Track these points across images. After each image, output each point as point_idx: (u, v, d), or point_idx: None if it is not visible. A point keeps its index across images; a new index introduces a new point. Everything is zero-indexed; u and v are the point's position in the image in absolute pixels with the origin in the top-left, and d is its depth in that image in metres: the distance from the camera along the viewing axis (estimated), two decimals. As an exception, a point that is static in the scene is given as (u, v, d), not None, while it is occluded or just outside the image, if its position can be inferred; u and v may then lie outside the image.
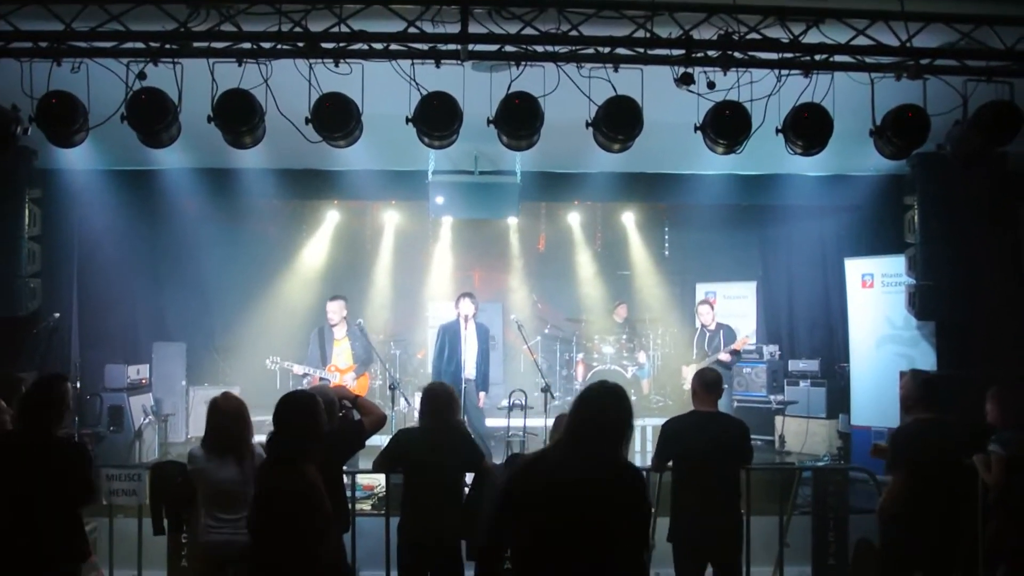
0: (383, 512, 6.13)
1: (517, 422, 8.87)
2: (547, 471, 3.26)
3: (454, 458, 5.13)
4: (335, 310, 9.07)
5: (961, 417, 5.31)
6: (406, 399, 10.13)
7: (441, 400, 5.19)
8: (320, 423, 4.17)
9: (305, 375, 8.94)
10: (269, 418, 4.23)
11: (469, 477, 5.30)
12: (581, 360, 12.19)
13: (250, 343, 11.18)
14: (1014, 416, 5.08)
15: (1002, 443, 5.00)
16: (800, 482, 7.01)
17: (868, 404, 9.46)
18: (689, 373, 10.31)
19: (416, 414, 5.48)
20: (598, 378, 11.06)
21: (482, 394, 9.08)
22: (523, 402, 8.73)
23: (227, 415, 4.84)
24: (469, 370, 8.93)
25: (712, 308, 10.54)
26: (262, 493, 4.01)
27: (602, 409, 3.30)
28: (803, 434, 9.97)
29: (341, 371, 8.89)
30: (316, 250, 12.62)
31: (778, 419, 10.18)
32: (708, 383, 5.37)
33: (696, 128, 5.77)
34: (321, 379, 8.67)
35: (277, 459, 4.07)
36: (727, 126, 5.70)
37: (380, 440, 5.54)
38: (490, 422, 9.45)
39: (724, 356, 9.85)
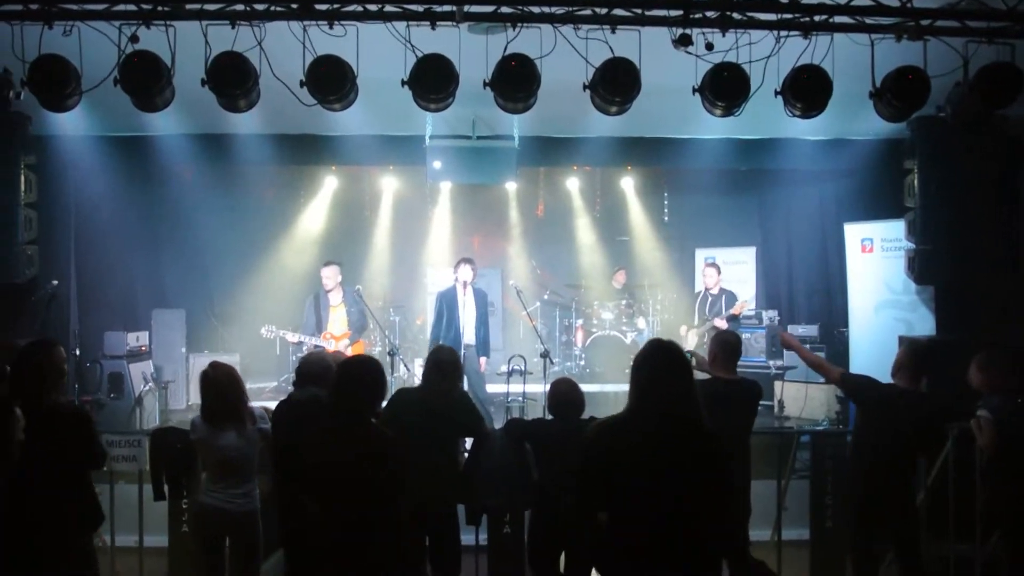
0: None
1: (517, 388, 8.91)
2: (628, 433, 3.29)
3: (450, 423, 5.17)
4: (330, 275, 9.07)
5: (953, 387, 5.36)
6: (405, 365, 10.16)
7: (446, 366, 5.21)
8: (384, 384, 4.14)
9: (300, 343, 8.97)
10: (271, 384, 4.23)
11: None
12: (580, 326, 12.22)
13: (249, 310, 11.21)
14: (1000, 381, 5.07)
15: (990, 409, 5.00)
16: (799, 446, 7.05)
17: (867, 369, 9.14)
18: (691, 336, 10.35)
19: (416, 381, 5.50)
20: (596, 343, 11.29)
21: (483, 359, 9.11)
22: (522, 368, 8.75)
23: (220, 384, 4.87)
24: (469, 336, 8.96)
25: (719, 272, 10.49)
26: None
27: (669, 369, 3.33)
28: (802, 399, 9.99)
29: (336, 338, 8.91)
30: (314, 216, 12.63)
31: (777, 384, 10.20)
32: (731, 348, 5.41)
33: (694, 90, 5.72)
34: (316, 347, 8.70)
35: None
36: (725, 88, 5.66)
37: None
38: (490, 388, 9.49)
39: (721, 322, 9.85)
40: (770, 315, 11.21)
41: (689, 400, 3.30)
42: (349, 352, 8.70)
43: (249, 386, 5.30)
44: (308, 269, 11.37)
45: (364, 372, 4.03)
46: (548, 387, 5.34)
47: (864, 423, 5.35)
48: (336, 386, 3.99)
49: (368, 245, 13.08)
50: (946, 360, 5.65)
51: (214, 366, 4.96)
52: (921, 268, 8.36)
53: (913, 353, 5.38)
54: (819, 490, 6.33)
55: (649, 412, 3.28)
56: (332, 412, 3.98)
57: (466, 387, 7.55)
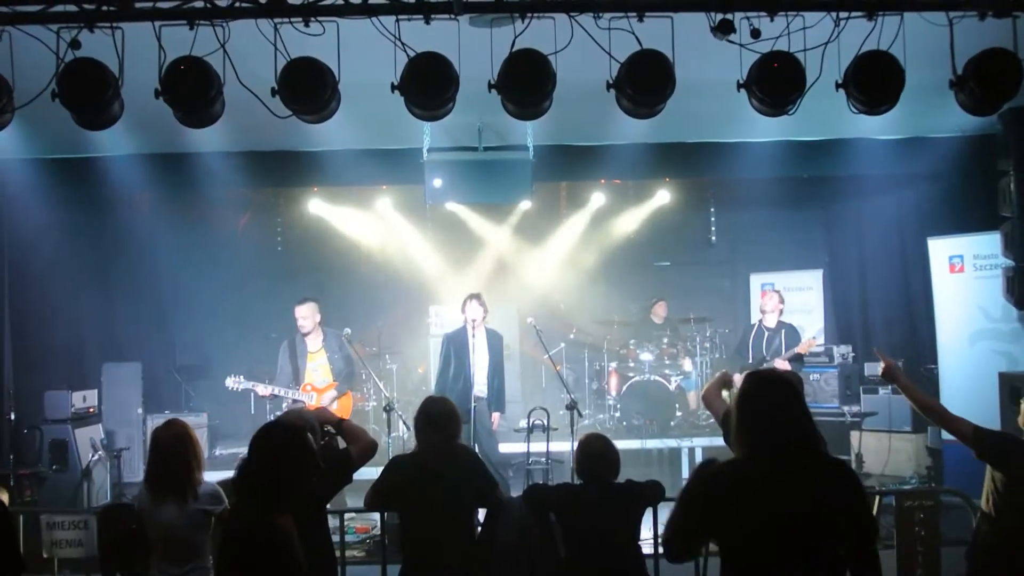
0: (379, 560, 6.14)
1: (539, 447, 8.86)
2: (750, 477, 3.51)
3: (460, 488, 5.15)
4: (306, 315, 9.01)
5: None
6: (404, 423, 10.14)
7: (439, 418, 5.21)
8: (302, 463, 3.94)
9: (275, 396, 8.97)
10: (240, 449, 4.24)
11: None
12: (614, 370, 12.19)
13: (219, 362, 11.26)
14: None
15: None
16: (881, 509, 6.98)
17: (962, 413, 9.33)
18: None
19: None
20: (634, 391, 11.25)
21: (496, 415, 9.10)
22: (545, 423, 8.72)
23: (163, 446, 4.92)
24: (479, 386, 8.96)
25: (781, 301, 10.36)
26: (224, 545, 3.92)
27: (779, 406, 3.60)
28: (884, 452, 9.93)
29: (318, 391, 8.88)
30: (295, 247, 12.70)
31: (854, 435, 10.13)
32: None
33: (739, 86, 5.74)
34: (294, 402, 8.71)
35: (243, 505, 3.90)
36: (776, 82, 5.66)
37: (371, 473, 5.55)
38: (506, 447, 9.46)
39: (783, 364, 9.75)
40: (842, 351, 11.17)
41: (809, 429, 3.58)
42: (335, 408, 8.71)
43: (218, 452, 5.33)
44: (289, 310, 11.44)
45: (262, 450, 3.90)
46: (576, 445, 5.32)
47: (1013, 487, 5.14)
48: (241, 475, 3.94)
49: (358, 280, 13.13)
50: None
51: (168, 425, 5.00)
52: (1022, 290, 8.33)
53: None
54: (907, 564, 6.26)
55: (767, 453, 3.52)
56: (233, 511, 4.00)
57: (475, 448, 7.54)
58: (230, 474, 5.12)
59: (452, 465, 5.16)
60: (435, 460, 5.13)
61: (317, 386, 8.94)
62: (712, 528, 3.55)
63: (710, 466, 3.71)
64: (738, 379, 9.95)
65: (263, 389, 9.01)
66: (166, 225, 11.01)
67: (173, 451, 4.89)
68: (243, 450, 4.16)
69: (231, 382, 8.98)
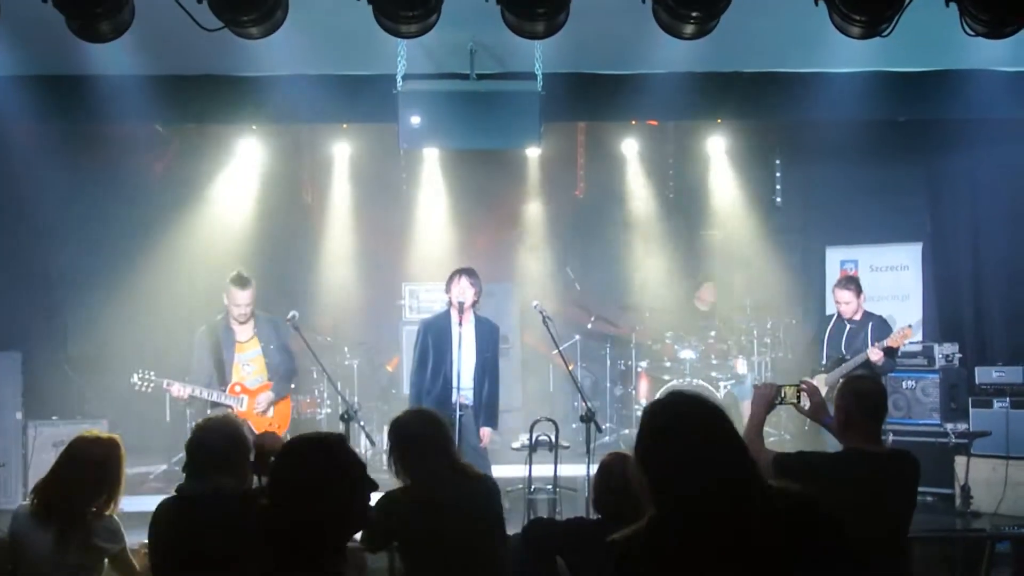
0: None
1: (543, 470, 8.89)
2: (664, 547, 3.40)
3: (472, 518, 5.21)
4: (243, 300, 9.02)
5: None
6: (369, 437, 10.15)
7: (423, 436, 5.26)
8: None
9: (194, 398, 8.96)
10: (158, 467, 4.29)
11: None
12: (644, 372, 12.22)
13: (122, 351, 11.24)
14: None
15: None
16: (993, 558, 7.02)
17: None
18: (821, 386, 10.30)
19: (385, 459, 5.52)
20: (672, 396, 11.25)
21: (486, 430, 9.11)
22: (552, 438, 8.74)
23: (74, 463, 5.00)
24: (464, 391, 8.97)
25: (859, 291, 10.35)
26: None
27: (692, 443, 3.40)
28: (999, 484, 9.92)
29: (250, 392, 8.90)
30: (225, 204, 12.66)
31: (959, 461, 10.12)
32: (871, 402, 5.40)
33: (817, -2, 5.77)
34: (214, 406, 8.78)
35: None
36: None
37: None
38: (501, 470, 9.48)
39: (875, 354, 9.75)
40: (946, 351, 11.16)
41: (738, 462, 3.37)
42: (270, 416, 8.72)
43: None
44: (216, 287, 11.45)
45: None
46: (596, 470, 5.35)
47: None
48: None
49: (310, 249, 13.14)
50: None
51: (96, 440, 5.15)
52: None
53: None
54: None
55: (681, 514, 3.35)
56: None
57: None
58: (137, 500, 5.20)
59: (456, 491, 5.20)
60: (432, 488, 5.17)
61: (248, 387, 8.96)
62: None
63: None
64: (820, 384, 10.04)
65: (179, 389, 8.98)
66: (55, 173, 10.94)
67: (79, 466, 4.97)
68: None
69: (138, 380, 8.97)
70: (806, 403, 5.65)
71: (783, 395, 5.52)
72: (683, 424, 3.42)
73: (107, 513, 5.07)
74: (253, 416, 8.73)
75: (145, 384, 8.99)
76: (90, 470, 4.98)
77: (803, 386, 5.75)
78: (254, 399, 8.89)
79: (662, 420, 3.46)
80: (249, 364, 9.07)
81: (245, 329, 9.14)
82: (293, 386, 9.35)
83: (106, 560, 5.03)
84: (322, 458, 3.50)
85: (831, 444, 7.68)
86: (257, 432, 8.42)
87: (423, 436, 5.27)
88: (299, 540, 3.34)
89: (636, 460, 3.47)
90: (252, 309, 9.09)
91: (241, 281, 9.10)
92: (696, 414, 3.44)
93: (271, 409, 8.80)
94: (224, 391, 8.90)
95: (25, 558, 4.92)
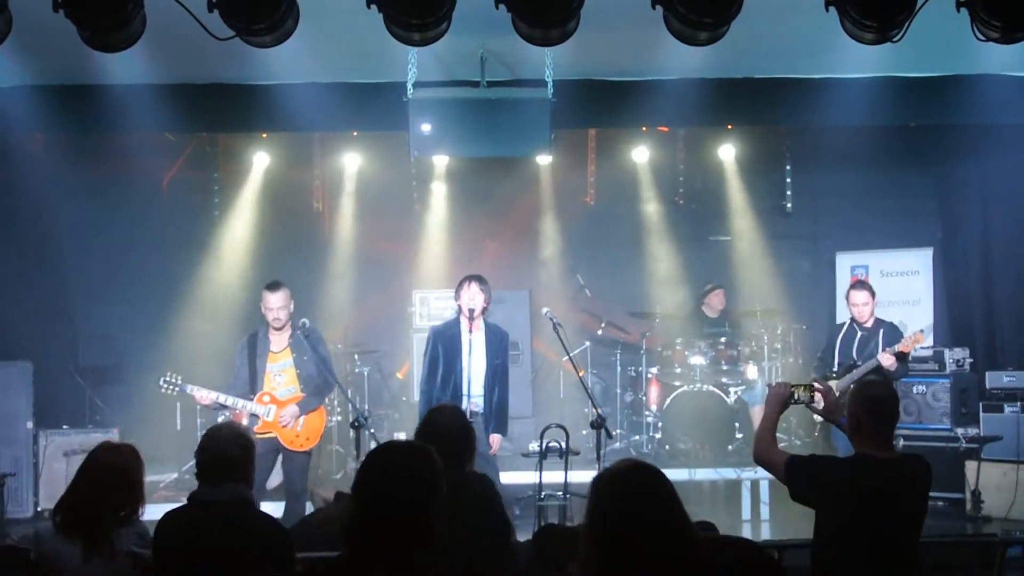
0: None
1: (554, 476, 8.89)
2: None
3: (476, 530, 5.18)
4: (281, 304, 8.85)
5: None
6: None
7: (446, 435, 5.28)
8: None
9: (221, 406, 8.86)
10: (170, 476, 4.29)
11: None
12: (655, 378, 12.21)
13: (135, 361, 11.26)
14: None
15: None
16: (1004, 563, 7.00)
17: None
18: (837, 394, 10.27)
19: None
20: (681, 405, 11.26)
21: (495, 437, 9.09)
22: (563, 445, 8.75)
23: (94, 475, 4.98)
24: (475, 399, 8.95)
25: (871, 295, 10.32)
26: None
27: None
28: (1010, 489, 9.91)
29: (279, 403, 8.81)
30: (236, 212, 12.69)
31: (969, 465, 10.12)
32: (883, 407, 5.39)
33: (827, 3, 5.77)
34: (220, 408, 8.74)
35: None
36: (877, -1, 5.70)
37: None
38: (511, 477, 9.48)
39: (887, 359, 9.73)
40: (956, 356, 11.14)
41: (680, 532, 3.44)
42: (298, 429, 8.67)
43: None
44: (228, 295, 11.47)
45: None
46: (605, 475, 5.34)
47: None
48: None
49: (320, 256, 13.15)
50: None
51: (108, 448, 5.14)
52: None
53: None
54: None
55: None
56: None
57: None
58: (148, 509, 5.21)
59: (459, 499, 5.19)
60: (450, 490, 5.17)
61: (278, 397, 8.83)
62: None
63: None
64: (835, 388, 9.97)
65: (204, 395, 8.81)
66: (66, 182, 10.97)
67: (104, 477, 4.97)
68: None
69: (164, 384, 8.87)
70: (820, 403, 5.64)
71: (797, 395, 5.51)
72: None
73: (134, 519, 5.06)
74: (278, 428, 8.64)
75: (170, 387, 8.88)
76: (112, 478, 4.96)
77: (817, 386, 5.74)
78: (280, 410, 8.73)
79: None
80: (280, 374, 8.92)
81: (280, 339, 8.98)
82: (323, 399, 9.17)
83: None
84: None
85: (842, 449, 7.69)
86: (285, 444, 8.63)
87: (440, 430, 5.30)
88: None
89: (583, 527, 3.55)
90: (288, 315, 8.93)
91: (271, 284, 8.99)
92: (649, 484, 3.53)
93: (298, 422, 8.72)
94: (252, 399, 8.78)
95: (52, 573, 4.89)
